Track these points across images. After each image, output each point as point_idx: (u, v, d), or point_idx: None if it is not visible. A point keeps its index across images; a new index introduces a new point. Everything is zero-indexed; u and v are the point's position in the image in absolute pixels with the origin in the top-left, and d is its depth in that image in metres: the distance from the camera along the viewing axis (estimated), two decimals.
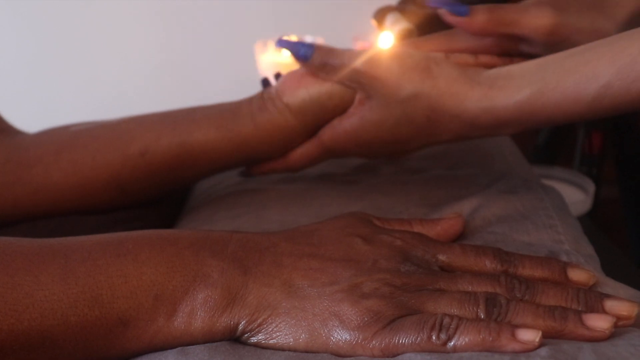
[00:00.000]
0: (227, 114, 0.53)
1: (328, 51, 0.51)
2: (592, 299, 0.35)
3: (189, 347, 0.34)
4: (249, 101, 0.54)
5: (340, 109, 0.52)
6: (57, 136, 0.55)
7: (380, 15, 0.83)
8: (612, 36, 0.42)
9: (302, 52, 0.51)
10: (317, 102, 0.51)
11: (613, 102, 0.41)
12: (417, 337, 0.32)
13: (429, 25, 0.80)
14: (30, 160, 0.53)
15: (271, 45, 1.04)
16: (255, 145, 0.53)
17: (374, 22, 0.85)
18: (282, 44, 0.51)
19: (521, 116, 0.44)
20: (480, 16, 0.52)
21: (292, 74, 0.52)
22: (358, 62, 0.49)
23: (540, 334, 0.31)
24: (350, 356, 0.33)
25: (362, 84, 0.50)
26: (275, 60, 1.01)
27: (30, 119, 0.78)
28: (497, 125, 0.47)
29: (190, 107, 0.56)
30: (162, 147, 0.53)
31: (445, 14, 0.52)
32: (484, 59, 0.52)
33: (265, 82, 0.56)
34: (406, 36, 0.76)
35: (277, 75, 0.57)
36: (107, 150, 0.53)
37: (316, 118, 0.52)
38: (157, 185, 0.55)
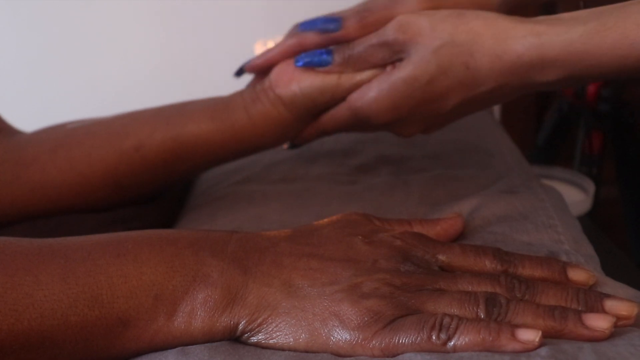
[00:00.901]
0: (220, 106, 0.53)
1: (346, 46, 0.50)
2: (592, 299, 0.35)
3: (189, 346, 0.34)
4: (241, 94, 0.54)
5: (332, 103, 0.52)
6: (53, 134, 0.55)
7: None
8: None
9: (323, 59, 0.50)
10: (309, 97, 0.51)
11: None
12: (417, 337, 0.32)
13: None
14: (27, 159, 0.53)
15: (271, 45, 1.04)
16: (248, 137, 0.53)
17: None
18: (302, 62, 0.51)
19: (570, 56, 0.41)
20: (352, 25, 0.51)
21: (284, 67, 0.52)
22: (387, 35, 0.48)
23: (540, 333, 0.31)
24: (350, 356, 0.33)
25: (395, 52, 0.48)
26: None
27: (31, 119, 0.78)
28: (542, 65, 0.43)
29: (184, 101, 0.56)
30: (157, 141, 0.53)
31: (319, 35, 0.52)
32: None
33: (240, 72, 0.57)
34: None
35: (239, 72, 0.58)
36: (102, 146, 0.53)
37: (308, 111, 0.52)
38: (153, 180, 0.55)
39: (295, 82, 0.51)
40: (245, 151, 0.55)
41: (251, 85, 0.54)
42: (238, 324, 0.35)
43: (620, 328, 0.33)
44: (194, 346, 0.34)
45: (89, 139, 0.54)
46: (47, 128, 0.57)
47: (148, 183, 0.55)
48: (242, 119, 0.52)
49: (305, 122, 0.53)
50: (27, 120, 0.76)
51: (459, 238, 0.45)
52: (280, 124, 0.52)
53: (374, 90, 0.49)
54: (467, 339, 0.32)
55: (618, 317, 0.33)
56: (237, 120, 0.52)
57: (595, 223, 0.99)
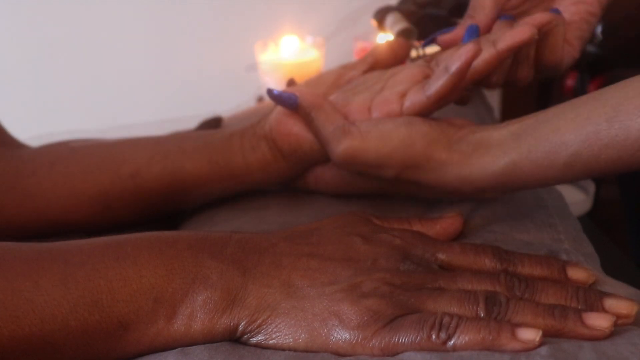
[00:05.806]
0: (219, 149, 0.52)
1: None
2: (592, 298, 0.35)
3: (189, 347, 0.34)
4: (241, 136, 0.53)
5: (322, 157, 0.50)
6: (55, 150, 0.55)
7: (380, 15, 0.83)
8: (580, 98, 0.41)
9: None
10: (310, 156, 0.50)
11: (585, 169, 0.39)
12: (417, 336, 0.32)
13: (428, 25, 0.81)
14: (26, 172, 0.52)
15: (271, 45, 1.04)
16: (245, 180, 0.53)
17: (373, 23, 0.85)
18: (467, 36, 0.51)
19: (497, 185, 0.43)
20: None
21: (283, 118, 0.50)
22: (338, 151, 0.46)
23: (540, 333, 0.31)
24: (350, 355, 0.33)
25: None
26: (275, 60, 1.00)
27: (32, 120, 0.78)
28: (475, 192, 0.44)
29: (181, 134, 0.55)
30: (153, 173, 0.52)
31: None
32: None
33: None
34: (405, 36, 0.76)
35: (290, 82, 0.56)
36: (99, 167, 0.53)
37: (304, 163, 0.51)
38: (144, 208, 0.54)
39: (294, 135, 0.50)
40: (241, 190, 0.55)
41: (252, 128, 0.53)
42: (238, 325, 0.35)
43: (620, 327, 0.33)
44: (194, 347, 0.34)
45: (87, 158, 0.54)
46: (50, 144, 0.58)
47: (139, 209, 0.54)
48: (240, 165, 0.52)
49: (299, 170, 0.52)
50: (28, 121, 0.76)
51: (458, 237, 0.45)
52: (278, 172, 0.52)
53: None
54: (467, 338, 0.32)
55: (618, 316, 0.34)
56: (235, 167, 0.52)
57: (595, 223, 0.99)
